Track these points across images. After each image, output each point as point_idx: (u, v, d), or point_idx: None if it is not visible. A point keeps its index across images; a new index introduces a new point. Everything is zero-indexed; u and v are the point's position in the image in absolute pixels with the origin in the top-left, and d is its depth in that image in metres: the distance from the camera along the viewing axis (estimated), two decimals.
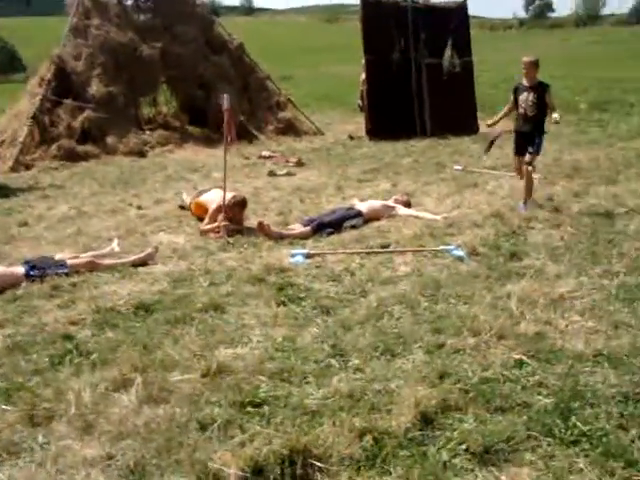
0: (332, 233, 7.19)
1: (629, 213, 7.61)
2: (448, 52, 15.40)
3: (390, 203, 8.02)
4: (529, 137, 7.81)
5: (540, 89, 7.75)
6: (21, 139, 12.85)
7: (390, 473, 2.90)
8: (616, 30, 69.22)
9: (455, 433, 3.14)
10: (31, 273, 5.86)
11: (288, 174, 11.40)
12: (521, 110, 7.84)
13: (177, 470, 2.84)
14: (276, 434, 3.04)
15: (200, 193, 8.29)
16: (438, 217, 7.52)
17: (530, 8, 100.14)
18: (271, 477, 2.79)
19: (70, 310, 5.04)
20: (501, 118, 8.39)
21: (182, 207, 8.67)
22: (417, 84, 15.29)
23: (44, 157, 12.83)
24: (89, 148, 13.15)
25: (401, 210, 7.87)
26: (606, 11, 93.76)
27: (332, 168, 11.75)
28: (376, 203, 8.01)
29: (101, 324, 4.73)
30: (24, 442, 3.24)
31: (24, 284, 5.71)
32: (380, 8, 14.94)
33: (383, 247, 6.48)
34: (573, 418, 3.20)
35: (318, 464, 2.86)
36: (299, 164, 12.23)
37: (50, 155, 12.82)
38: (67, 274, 5.94)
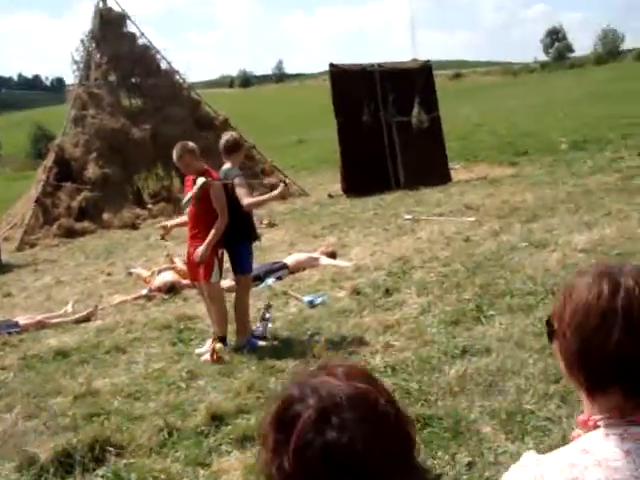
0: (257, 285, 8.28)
1: (527, 247, 8.51)
2: (416, 109, 16.61)
3: (315, 255, 9.12)
4: None
5: None
6: (26, 221, 14.43)
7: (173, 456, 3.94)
8: (636, 65, 69.70)
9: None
10: None
11: None
12: None
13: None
14: (91, 429, 4.14)
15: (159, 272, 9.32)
16: (349, 264, 8.57)
17: (550, 51, 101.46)
18: (77, 459, 3.87)
19: (6, 359, 6.25)
20: None
21: (130, 273, 9.89)
22: (389, 140, 16.47)
23: (47, 235, 14.37)
24: (86, 224, 14.65)
25: (323, 260, 8.95)
26: (627, 45, 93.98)
27: (299, 227, 12.92)
28: (301, 256, 9.13)
29: (23, 367, 5.91)
30: None
31: None
32: (348, 75, 16.28)
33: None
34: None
35: (114, 449, 3.93)
36: (270, 225, 13.44)
37: (52, 234, 14.34)
38: (19, 332, 7.18)
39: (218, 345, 5.59)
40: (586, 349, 1.25)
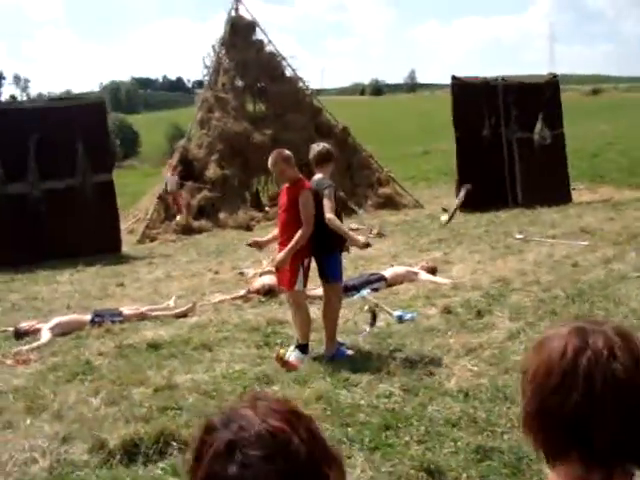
0: (352, 295, 8.31)
1: (638, 279, 8.02)
2: (539, 126, 16.08)
3: (414, 269, 9.03)
4: None
5: None
6: (149, 216, 15.24)
7: None
8: None
9: None
10: (95, 320, 7.59)
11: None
12: None
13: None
14: (161, 422, 4.32)
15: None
16: (447, 282, 8.42)
17: None
18: (142, 449, 4.05)
19: (102, 346, 6.63)
20: None
21: (241, 273, 10.17)
22: (508, 156, 16.05)
23: (166, 231, 15.10)
24: (203, 223, 15.27)
25: (422, 275, 8.84)
26: None
27: (407, 239, 12.84)
28: (400, 269, 9.07)
29: (117, 355, 6.25)
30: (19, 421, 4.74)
31: (87, 327, 7.42)
32: (470, 88, 16.02)
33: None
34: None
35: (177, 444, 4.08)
36: (379, 235, 13.44)
37: (171, 229, 15.05)
38: (122, 322, 7.60)
39: (282, 350, 5.68)
40: (544, 409, 1.18)
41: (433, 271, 9.10)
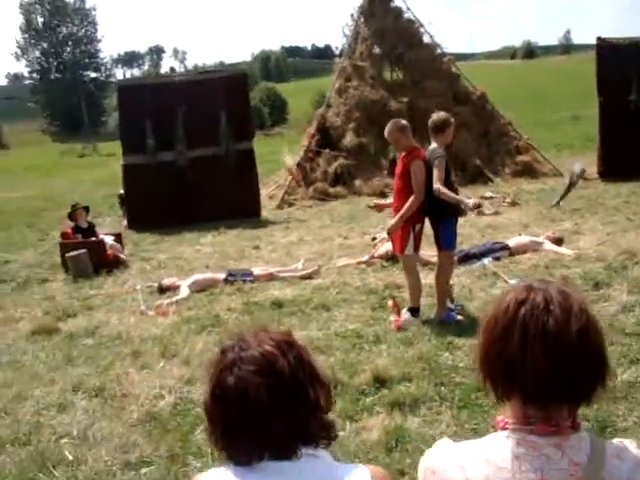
0: (473, 263, 8.42)
1: None
2: None
3: (539, 239, 8.94)
4: None
5: None
6: (287, 182, 15.92)
7: None
8: None
9: None
10: (228, 279, 8.25)
11: (495, 213, 12.56)
12: None
13: None
14: None
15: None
16: (571, 252, 8.30)
17: None
18: None
19: (232, 302, 7.25)
20: None
21: (374, 239, 10.50)
22: None
23: (304, 197, 15.71)
24: (339, 190, 15.73)
25: (547, 245, 8.76)
26: None
27: (540, 208, 12.59)
28: (524, 239, 9.03)
29: (244, 311, 6.83)
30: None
31: (221, 285, 8.10)
32: (617, 50, 15.20)
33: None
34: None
35: None
36: (512, 204, 13.28)
37: (308, 195, 15.65)
38: (252, 281, 8.21)
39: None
40: (489, 355, 1.40)
41: (559, 241, 8.97)
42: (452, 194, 6.05)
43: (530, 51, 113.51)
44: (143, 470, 3.70)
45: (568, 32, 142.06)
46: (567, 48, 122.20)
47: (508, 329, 1.37)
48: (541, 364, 1.33)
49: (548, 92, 58.18)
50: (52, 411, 4.61)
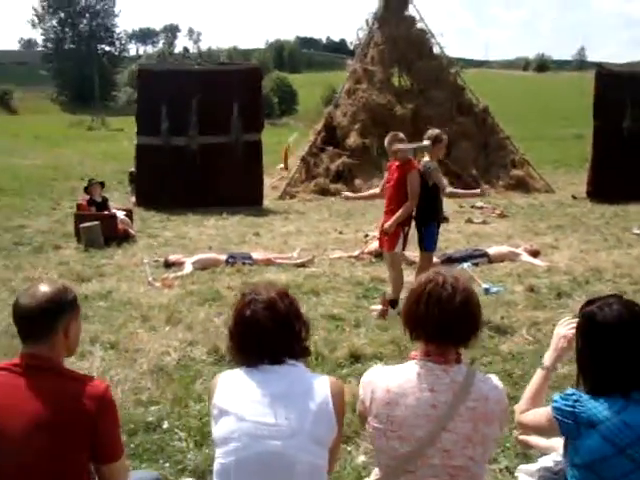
0: (454, 266, 9.19)
1: None
2: None
3: (517, 250, 9.72)
4: None
5: None
6: (290, 175, 16.69)
7: None
8: None
9: None
10: (229, 260, 9.02)
11: (483, 222, 13.34)
12: None
13: None
14: None
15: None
16: (543, 264, 9.08)
17: None
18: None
19: (231, 281, 8.02)
20: None
21: (366, 236, 11.28)
22: None
23: (305, 190, 16.48)
24: (339, 186, 16.49)
25: (523, 257, 9.53)
26: None
27: (526, 222, 13.37)
28: (504, 248, 9.82)
29: (241, 290, 7.59)
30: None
31: (222, 266, 8.86)
32: (615, 77, 15.97)
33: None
34: None
35: None
36: (501, 216, 14.07)
37: (309, 189, 16.43)
38: (251, 264, 8.98)
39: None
40: (407, 314, 2.24)
41: (536, 254, 9.74)
42: (460, 191, 7.13)
43: (543, 64, 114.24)
44: (152, 408, 4.47)
45: (582, 49, 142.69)
46: (580, 65, 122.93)
47: (419, 297, 2.21)
48: (437, 320, 2.15)
49: (557, 107, 58.99)
50: (72, 358, 5.36)
